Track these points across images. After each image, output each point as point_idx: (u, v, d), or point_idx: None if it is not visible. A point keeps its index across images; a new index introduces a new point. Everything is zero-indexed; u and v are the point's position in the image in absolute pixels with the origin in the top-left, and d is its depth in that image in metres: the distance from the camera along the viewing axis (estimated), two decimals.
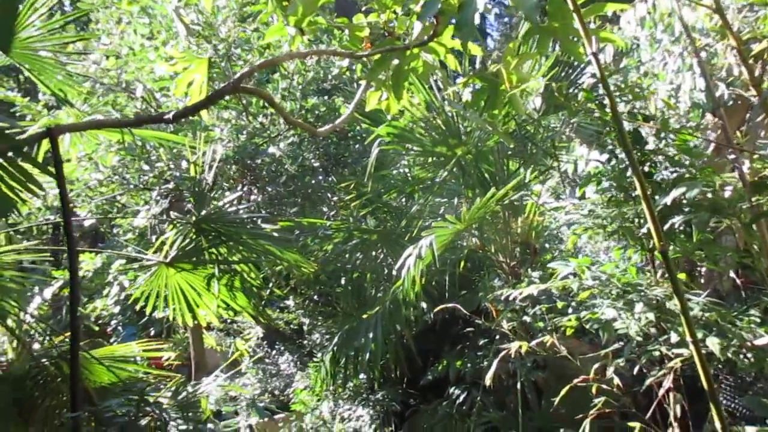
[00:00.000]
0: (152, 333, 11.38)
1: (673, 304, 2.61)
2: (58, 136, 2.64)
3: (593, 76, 4.08)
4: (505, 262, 5.00)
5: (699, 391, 2.10)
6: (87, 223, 10.49)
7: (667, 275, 2.94)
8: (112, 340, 11.84)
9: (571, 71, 4.63)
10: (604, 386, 2.63)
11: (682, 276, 2.96)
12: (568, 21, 2.63)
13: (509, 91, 3.09)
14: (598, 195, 4.02)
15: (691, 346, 1.95)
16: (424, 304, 5.30)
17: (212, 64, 4.73)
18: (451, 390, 5.57)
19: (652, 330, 2.72)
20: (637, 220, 3.00)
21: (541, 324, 4.35)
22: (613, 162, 3.06)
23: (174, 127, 5.65)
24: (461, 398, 5.50)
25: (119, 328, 11.68)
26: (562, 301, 3.68)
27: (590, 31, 2.82)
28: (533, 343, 3.12)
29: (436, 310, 4.20)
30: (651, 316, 2.62)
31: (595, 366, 2.72)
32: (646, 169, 2.94)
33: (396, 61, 3.18)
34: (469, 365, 5.68)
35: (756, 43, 4.67)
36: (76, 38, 3.81)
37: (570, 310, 3.27)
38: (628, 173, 2.93)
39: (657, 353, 2.64)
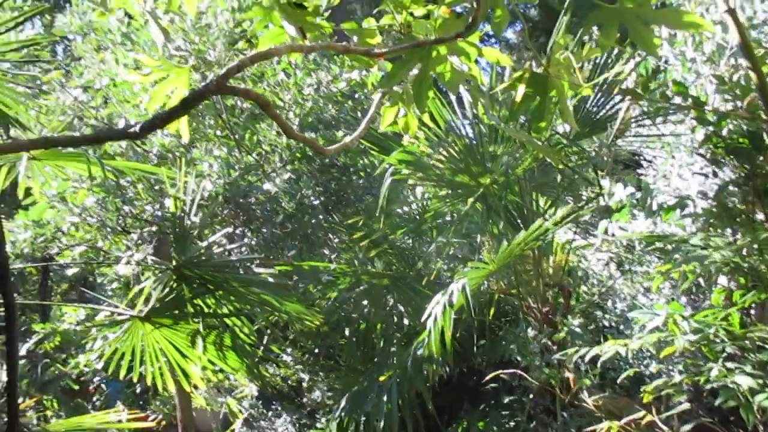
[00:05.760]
0: (138, 390, 10.58)
1: None
2: None
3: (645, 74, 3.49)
4: (536, 308, 4.35)
5: None
6: (69, 272, 9.91)
7: None
8: (95, 399, 11.07)
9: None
10: None
11: None
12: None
13: (558, 99, 2.52)
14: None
15: None
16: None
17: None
18: None
19: None
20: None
21: (587, 382, 3.68)
22: (708, 180, 2.47)
23: (157, 161, 5.04)
24: None
25: (102, 385, 10.88)
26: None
27: (673, 13, 2.27)
28: (624, 421, 2.44)
29: (497, 373, 3.54)
30: None
31: None
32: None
33: (418, 67, 2.63)
34: (494, 427, 4.98)
35: None
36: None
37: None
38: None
39: None
